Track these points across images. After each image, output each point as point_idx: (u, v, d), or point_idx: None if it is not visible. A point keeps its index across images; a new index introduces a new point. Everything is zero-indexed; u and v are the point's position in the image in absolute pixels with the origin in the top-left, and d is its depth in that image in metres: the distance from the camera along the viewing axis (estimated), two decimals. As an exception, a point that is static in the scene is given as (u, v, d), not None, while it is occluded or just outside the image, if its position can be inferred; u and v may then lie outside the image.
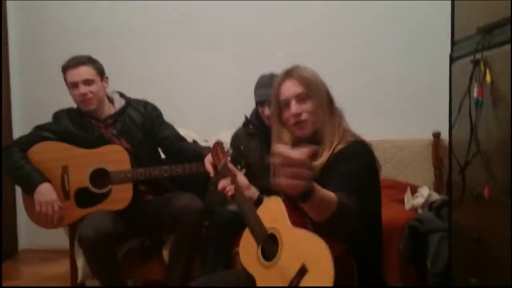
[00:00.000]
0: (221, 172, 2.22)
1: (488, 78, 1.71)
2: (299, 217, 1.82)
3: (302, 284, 1.66)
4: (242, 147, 2.67)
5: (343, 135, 1.87)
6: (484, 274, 1.84)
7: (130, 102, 2.90)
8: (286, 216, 1.85)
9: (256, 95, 2.89)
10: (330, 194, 1.51)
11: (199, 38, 3.86)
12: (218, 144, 2.38)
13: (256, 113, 2.97)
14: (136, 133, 2.83)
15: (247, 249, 1.97)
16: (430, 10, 3.56)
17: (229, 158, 2.53)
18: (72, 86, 2.75)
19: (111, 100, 2.89)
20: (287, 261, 1.77)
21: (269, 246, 1.86)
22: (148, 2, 3.88)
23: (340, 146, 1.84)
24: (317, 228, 1.66)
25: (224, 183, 2.10)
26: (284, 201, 1.89)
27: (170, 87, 3.86)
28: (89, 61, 2.78)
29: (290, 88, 1.90)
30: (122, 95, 2.94)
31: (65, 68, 2.77)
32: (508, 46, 1.59)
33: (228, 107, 3.62)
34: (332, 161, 1.81)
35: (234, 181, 2.10)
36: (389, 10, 3.67)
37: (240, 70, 3.64)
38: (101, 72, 2.82)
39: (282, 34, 3.76)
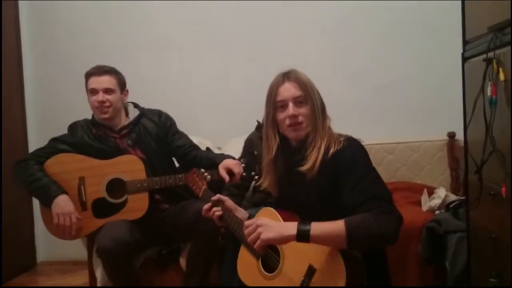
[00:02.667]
0: (204, 198, 2.23)
1: (501, 76, 1.71)
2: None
3: (313, 283, 1.69)
4: (256, 152, 2.67)
5: (329, 137, 1.91)
6: (504, 272, 1.82)
7: (144, 112, 2.93)
8: (283, 222, 1.87)
9: None
10: (335, 224, 1.64)
11: (210, 45, 3.88)
12: (194, 172, 2.40)
13: None
14: (151, 142, 2.85)
15: (246, 267, 1.99)
16: (440, 11, 3.55)
17: (243, 167, 2.53)
18: (92, 92, 2.80)
19: (126, 111, 2.92)
20: (292, 267, 1.79)
21: (270, 257, 1.89)
22: (157, 9, 3.92)
23: (333, 149, 1.86)
24: None
25: (206, 207, 2.15)
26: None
27: (182, 95, 3.88)
28: (113, 71, 2.86)
29: (289, 90, 1.93)
30: (136, 105, 2.97)
31: (89, 75, 2.83)
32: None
33: (241, 113, 3.63)
34: (330, 164, 1.84)
35: (218, 203, 2.14)
36: (401, 12, 3.67)
37: (252, 76, 3.65)
38: (122, 84, 2.88)
39: (295, 39, 3.77)
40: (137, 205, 2.70)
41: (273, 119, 1.98)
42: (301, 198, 1.94)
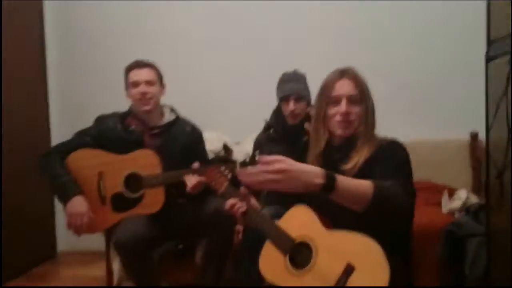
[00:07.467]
0: (225, 194, 2.17)
1: (525, 78, 1.66)
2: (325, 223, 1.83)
3: (351, 282, 1.62)
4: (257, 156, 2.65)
5: (373, 141, 1.91)
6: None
7: (179, 119, 2.95)
8: (318, 222, 1.83)
9: (281, 90, 2.87)
10: (362, 182, 1.57)
11: (230, 40, 3.88)
12: (216, 168, 2.35)
13: (276, 115, 2.95)
14: (177, 150, 2.86)
15: (271, 263, 1.91)
16: (465, 10, 3.50)
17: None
18: (134, 85, 2.83)
19: (161, 112, 2.93)
20: (326, 264, 1.72)
21: (300, 254, 1.83)
22: (177, 4, 3.94)
23: (374, 148, 1.87)
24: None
25: (232, 201, 2.09)
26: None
27: (201, 89, 3.89)
28: (153, 65, 2.92)
29: (345, 87, 1.93)
30: (173, 110, 2.99)
31: (130, 69, 2.88)
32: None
33: (260, 109, 3.61)
34: (371, 158, 1.85)
35: (245, 198, 2.08)
36: (423, 11, 3.63)
37: (272, 73, 3.62)
38: (160, 78, 2.93)
39: (315, 37, 3.75)
40: (153, 199, 2.71)
41: (325, 114, 1.96)
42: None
